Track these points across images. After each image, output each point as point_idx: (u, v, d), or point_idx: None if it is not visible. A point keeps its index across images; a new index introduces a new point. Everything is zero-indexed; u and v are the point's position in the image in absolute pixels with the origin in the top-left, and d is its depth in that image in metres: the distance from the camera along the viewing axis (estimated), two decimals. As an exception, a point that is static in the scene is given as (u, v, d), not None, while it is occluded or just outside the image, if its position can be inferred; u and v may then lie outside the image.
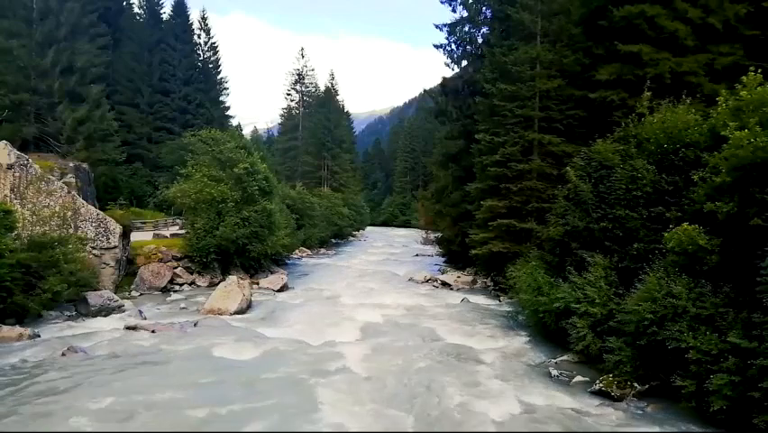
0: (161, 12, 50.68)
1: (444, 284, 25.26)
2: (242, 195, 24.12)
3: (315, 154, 61.24)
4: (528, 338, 14.81)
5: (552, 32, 21.49)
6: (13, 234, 15.49)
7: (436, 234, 37.05)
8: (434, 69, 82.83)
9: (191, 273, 23.05)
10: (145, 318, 16.14)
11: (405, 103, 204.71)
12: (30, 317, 14.73)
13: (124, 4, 49.17)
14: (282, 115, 70.81)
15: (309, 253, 41.03)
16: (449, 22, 29.93)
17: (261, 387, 10.29)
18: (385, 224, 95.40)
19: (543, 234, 15.62)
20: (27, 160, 18.84)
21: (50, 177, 19.65)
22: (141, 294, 20.38)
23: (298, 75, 66.78)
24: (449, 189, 30.65)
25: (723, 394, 8.13)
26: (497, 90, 21.59)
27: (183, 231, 25.98)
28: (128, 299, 18.96)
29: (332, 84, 69.55)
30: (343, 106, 77.87)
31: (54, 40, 30.04)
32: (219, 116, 49.81)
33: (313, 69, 67.99)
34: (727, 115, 10.41)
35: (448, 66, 30.75)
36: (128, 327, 14.55)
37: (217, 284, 20.37)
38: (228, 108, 54.41)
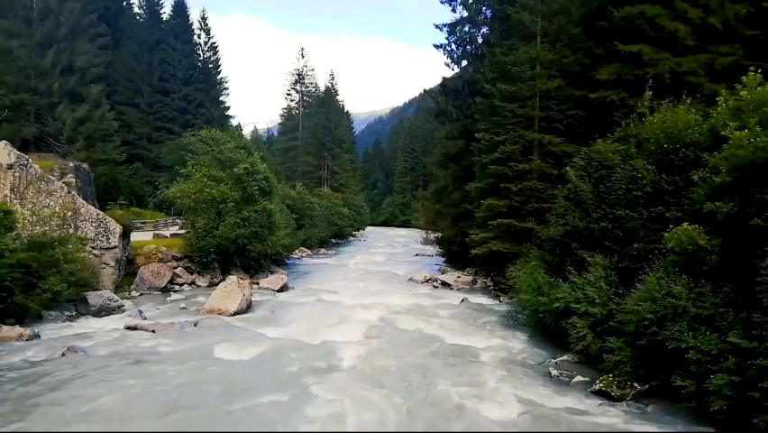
0: (161, 12, 50.74)
1: (444, 284, 25.26)
2: (242, 195, 24.13)
3: (315, 154, 61.27)
4: (528, 338, 14.81)
5: (552, 32, 21.49)
6: (13, 234, 15.49)
7: (436, 234, 37.05)
8: (434, 69, 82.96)
9: (191, 273, 23.06)
10: (145, 318, 16.13)
11: (405, 103, 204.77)
12: (30, 317, 14.73)
13: (124, 4, 49.18)
14: (282, 115, 70.87)
15: (309, 253, 41.04)
16: (449, 22, 29.96)
17: (261, 387, 10.27)
18: (385, 224, 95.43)
19: (543, 234, 15.63)
20: (27, 160, 18.84)
21: (50, 177, 19.65)
22: (141, 294, 20.38)
23: (298, 75, 66.84)
24: (449, 189, 30.65)
25: (723, 394, 8.13)
26: (497, 90, 21.58)
27: (183, 231, 25.99)
28: (128, 299, 18.96)
29: (332, 84, 69.68)
30: (343, 106, 78.02)
31: (54, 40, 30.03)
32: (219, 116, 49.82)
33: (313, 69, 68.17)
34: (727, 115, 10.41)
35: (448, 66, 30.79)
36: (128, 327, 14.54)
37: (217, 284, 20.37)
38: (228, 108, 54.49)
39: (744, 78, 10.40)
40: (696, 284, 9.61)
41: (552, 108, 20.62)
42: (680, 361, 9.05)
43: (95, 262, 18.95)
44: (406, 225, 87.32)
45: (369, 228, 78.81)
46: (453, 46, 30.19)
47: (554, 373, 11.69)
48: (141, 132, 44.45)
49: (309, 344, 13.60)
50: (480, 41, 29.52)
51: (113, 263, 19.75)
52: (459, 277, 26.12)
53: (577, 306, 11.93)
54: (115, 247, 19.88)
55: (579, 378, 11.21)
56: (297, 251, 37.32)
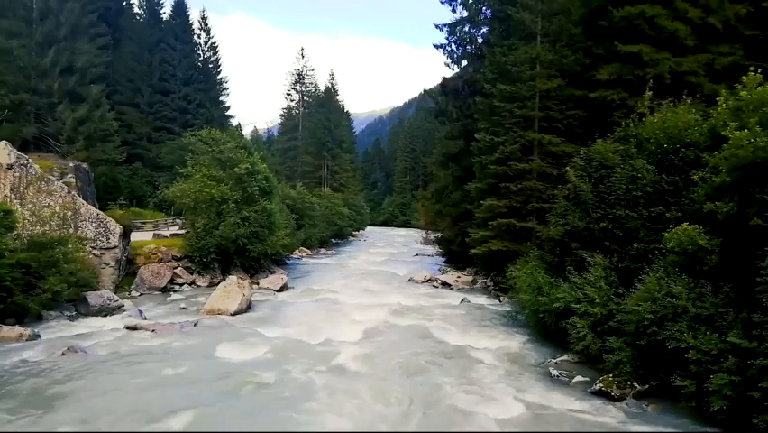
0: (161, 12, 50.70)
1: (444, 284, 25.26)
2: (242, 195, 24.12)
3: (315, 154, 61.27)
4: (528, 338, 14.81)
5: (552, 32, 21.49)
6: (13, 234, 15.49)
7: (436, 234, 37.04)
8: (434, 69, 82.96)
9: (191, 273, 23.06)
10: (145, 318, 16.12)
11: (405, 103, 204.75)
12: (30, 317, 14.74)
13: (124, 4, 49.15)
14: (282, 115, 70.86)
15: (309, 253, 41.03)
16: (449, 22, 29.97)
17: (261, 387, 10.29)
18: (385, 224, 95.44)
19: (543, 233, 15.62)
20: (27, 160, 18.84)
21: (50, 177, 19.65)
22: (141, 294, 20.38)
23: (298, 75, 66.83)
24: (449, 189, 30.65)
25: (723, 394, 8.13)
26: (497, 90, 21.58)
27: (183, 231, 26.00)
28: (128, 299, 18.96)
29: (332, 84, 69.69)
30: (343, 106, 78.03)
31: (54, 40, 30.03)
32: (219, 116, 49.81)
33: (313, 69, 68.14)
34: (727, 115, 10.41)
35: (448, 66, 30.80)
36: (128, 327, 14.54)
37: (217, 284, 20.37)
38: (228, 108, 54.48)
39: (744, 78, 10.40)
40: (696, 284, 9.61)
41: (552, 108, 20.62)
42: (680, 361, 9.05)
43: (95, 262, 18.95)
44: (406, 225, 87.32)
45: (369, 228, 78.81)
46: (453, 46, 30.22)
47: (554, 373, 11.68)
48: (141, 132, 44.43)
49: (309, 344, 13.61)
50: (480, 41, 29.54)
51: (113, 263, 19.75)
52: (459, 277, 26.12)
53: (577, 306, 11.93)
54: (115, 247, 19.88)
55: (579, 378, 11.21)
56: (297, 251, 37.31)
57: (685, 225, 9.93)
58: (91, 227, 19.46)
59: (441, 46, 30.25)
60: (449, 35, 29.97)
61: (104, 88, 34.38)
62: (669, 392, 9.52)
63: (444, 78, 31.64)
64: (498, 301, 20.75)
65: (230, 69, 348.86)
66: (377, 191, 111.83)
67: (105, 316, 16.29)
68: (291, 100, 67.94)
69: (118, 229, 19.98)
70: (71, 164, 24.14)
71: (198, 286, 22.44)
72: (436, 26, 30.25)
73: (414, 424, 8.87)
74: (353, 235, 64.38)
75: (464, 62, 30.70)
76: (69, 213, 18.99)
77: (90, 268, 17.99)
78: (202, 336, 14.02)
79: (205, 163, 24.84)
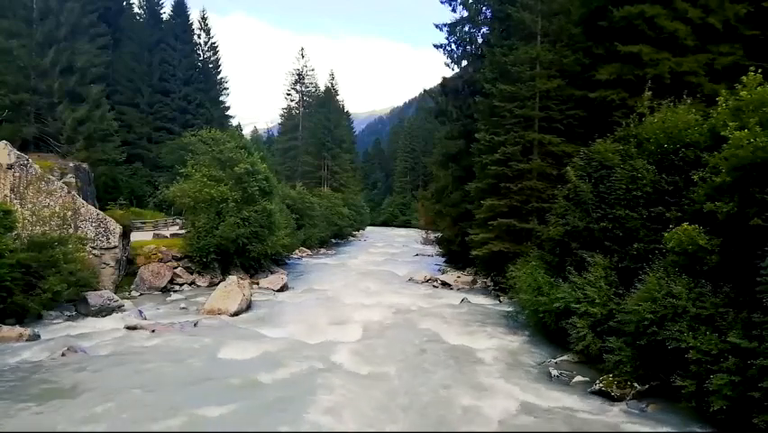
0: (161, 12, 50.68)
1: (444, 284, 25.26)
2: (242, 195, 24.13)
3: (315, 154, 61.27)
4: (528, 338, 14.81)
5: (552, 32, 21.48)
6: (13, 234, 15.49)
7: (436, 234, 37.03)
8: (434, 69, 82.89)
9: (191, 273, 23.06)
10: (145, 318, 16.13)
11: (405, 103, 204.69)
12: (30, 317, 14.73)
13: (124, 4, 49.13)
14: (282, 115, 70.86)
15: (309, 253, 41.04)
16: (449, 22, 29.95)
17: (261, 387, 10.29)
18: (385, 224, 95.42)
19: (543, 233, 15.62)
20: (27, 160, 18.84)
21: (50, 177, 19.65)
22: (141, 294, 20.38)
23: (298, 75, 66.83)
24: (449, 189, 30.63)
25: (723, 394, 8.13)
26: (497, 90, 21.57)
27: (183, 231, 26.00)
28: (128, 299, 18.96)
29: (332, 84, 69.69)
30: (343, 106, 78.01)
31: (54, 40, 30.01)
32: (219, 116, 49.79)
33: (313, 69, 68.13)
34: (727, 115, 10.40)
35: (448, 66, 30.79)
36: (128, 327, 14.55)
37: (217, 284, 20.37)
38: (228, 108, 54.46)
39: (744, 78, 10.39)
40: (696, 284, 9.61)
41: (552, 108, 20.61)
42: (680, 361, 9.05)
43: (95, 262, 18.95)
44: (406, 225, 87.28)
45: (369, 228, 78.81)
46: (453, 46, 30.21)
47: (554, 373, 11.68)
48: (141, 132, 44.42)
49: (309, 344, 13.61)
50: (480, 41, 29.52)
51: (113, 263, 19.75)
52: (459, 277, 26.13)
53: (577, 306, 11.93)
54: (115, 247, 19.88)
55: (579, 378, 11.21)
56: (297, 251, 37.31)
57: (685, 225, 9.93)
58: (91, 227, 19.46)
59: (441, 46, 30.26)
60: (449, 35, 29.98)
61: (104, 88, 34.36)
62: (669, 392, 9.52)
63: (444, 78, 31.63)
64: (498, 301, 20.75)
65: (230, 69, 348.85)
66: (377, 191, 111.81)
67: (105, 316, 16.29)
68: (291, 100, 68.01)
69: (118, 229, 19.98)
70: (71, 164, 24.14)
71: (198, 286, 22.44)
72: (436, 26, 30.28)
73: (414, 424, 8.87)
74: (353, 235, 64.37)
75: (464, 62, 30.69)
76: (69, 213, 18.99)
77: (90, 268, 17.99)
78: (202, 336, 14.02)
79: (205, 163, 24.84)
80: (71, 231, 18.63)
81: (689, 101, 13.49)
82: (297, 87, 67.05)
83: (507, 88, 21.11)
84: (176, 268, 22.74)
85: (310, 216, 42.44)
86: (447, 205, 30.64)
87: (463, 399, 9.90)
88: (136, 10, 50.33)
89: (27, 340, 12.92)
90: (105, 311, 16.53)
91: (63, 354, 11.78)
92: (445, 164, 31.71)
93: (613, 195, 12.59)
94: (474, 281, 25.52)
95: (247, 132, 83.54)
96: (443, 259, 34.12)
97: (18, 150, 19.44)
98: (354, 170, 74.98)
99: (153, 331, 14.31)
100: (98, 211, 20.46)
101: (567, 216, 13.89)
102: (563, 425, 8.95)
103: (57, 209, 18.67)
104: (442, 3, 29.82)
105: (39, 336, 13.38)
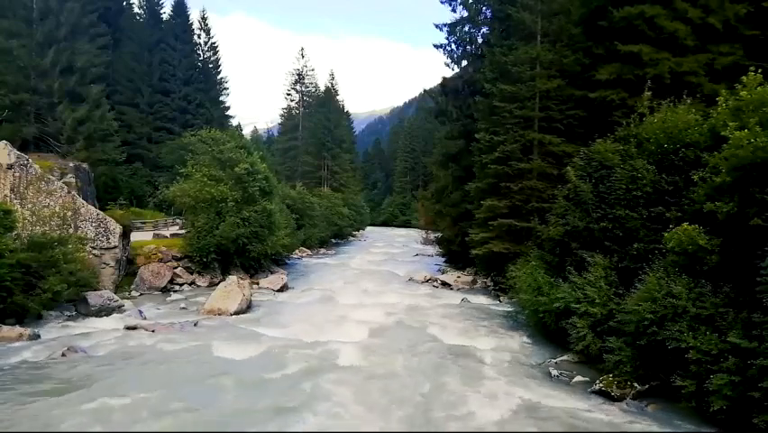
0: (161, 12, 50.68)
1: (444, 284, 25.26)
2: (242, 195, 24.13)
3: (315, 154, 61.28)
4: (528, 338, 14.81)
5: (552, 32, 21.48)
6: (13, 234, 15.48)
7: (436, 234, 37.03)
8: (434, 69, 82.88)
9: (191, 273, 23.05)
10: (145, 318, 16.14)
11: (405, 103, 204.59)
12: (30, 317, 14.72)
13: (124, 4, 49.12)
14: (282, 115, 70.88)
15: (309, 253, 41.04)
16: (449, 22, 29.95)
17: (261, 387, 10.29)
18: (385, 224, 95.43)
19: (543, 233, 15.62)
20: (27, 160, 18.84)
21: (50, 177, 19.64)
22: (141, 294, 20.37)
23: (298, 75, 66.85)
24: (449, 189, 30.64)
25: (723, 394, 8.13)
26: (497, 90, 21.57)
27: (183, 231, 26.00)
28: (128, 299, 18.95)
29: (332, 84, 69.70)
30: (343, 106, 78.01)
31: (54, 40, 30.01)
32: (219, 116, 49.79)
33: (313, 69, 68.16)
34: (727, 115, 10.40)
35: (448, 66, 30.79)
36: (128, 327, 14.55)
37: (217, 284, 20.37)
38: (228, 108, 54.46)
39: (744, 78, 10.39)
40: (696, 284, 9.60)
41: (552, 108, 20.61)
42: (680, 361, 9.05)
43: (95, 262, 18.94)
44: (406, 225, 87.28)
45: (369, 228, 78.82)
46: (453, 46, 30.21)
47: (554, 372, 11.68)
48: (141, 132, 44.41)
49: (309, 344, 13.60)
50: (480, 41, 29.52)
51: (113, 263, 19.75)
52: (459, 277, 26.13)
53: (577, 306, 11.93)
54: (115, 247, 19.88)
55: (579, 378, 11.21)
56: (297, 251, 37.31)
57: (685, 225, 9.92)
58: (91, 227, 19.46)
59: (441, 46, 30.26)
60: (449, 35, 29.98)
61: (104, 88, 34.36)
62: (669, 392, 9.52)
63: (444, 78, 31.63)
64: (498, 301, 20.75)
65: (230, 69, 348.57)
66: (377, 191, 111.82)
67: (105, 316, 16.28)
68: (291, 100, 68.03)
69: (118, 229, 19.98)
70: (71, 164, 24.14)
71: (198, 286, 22.43)
72: (436, 26, 30.29)
73: (413, 424, 8.87)
74: (353, 235, 64.38)
75: (464, 62, 30.69)
76: (69, 213, 18.99)
77: (90, 268, 17.98)
78: (202, 336, 14.02)
79: (205, 163, 24.84)
80: (71, 231, 18.63)
81: (689, 101, 13.48)
82: (297, 87, 67.08)
83: (507, 88, 21.11)
84: (176, 268, 22.74)
85: (310, 216, 42.45)
86: (447, 205, 30.65)
87: (463, 398, 9.90)
88: (136, 10, 50.37)
89: (27, 340, 12.93)
90: (104, 311, 16.53)
91: (63, 354, 11.77)
92: (445, 164, 31.72)
93: (613, 195, 12.59)
94: (474, 281, 25.52)
95: (247, 132, 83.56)
96: (443, 259, 34.12)
97: (18, 150, 19.44)
98: (354, 170, 74.99)
99: (153, 331, 14.30)
100: (98, 211, 20.46)
101: (567, 216, 13.89)
102: (563, 425, 8.94)
103: (57, 209, 18.66)
104: (442, 3, 29.85)
105: (39, 336, 13.38)
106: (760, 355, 7.78)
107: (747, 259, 8.88)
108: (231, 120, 54.59)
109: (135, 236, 23.89)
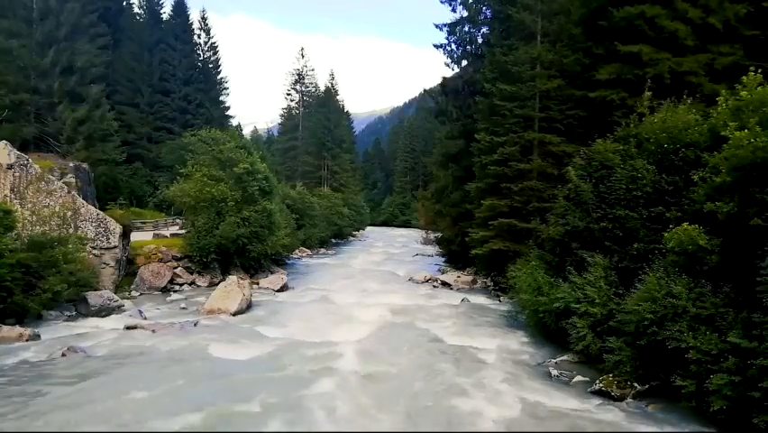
0: (161, 12, 50.74)
1: (444, 284, 25.27)
2: (242, 195, 24.13)
3: (315, 154, 61.31)
4: (528, 338, 14.81)
5: (552, 32, 21.49)
6: (13, 234, 15.48)
7: (436, 235, 37.05)
8: (434, 69, 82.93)
9: (191, 273, 23.05)
10: (145, 318, 16.13)
11: (405, 103, 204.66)
12: (30, 317, 14.73)
13: (124, 4, 49.18)
14: (282, 115, 70.92)
15: (309, 253, 41.04)
16: (449, 22, 29.96)
17: (261, 387, 10.28)
18: (385, 224, 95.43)
19: (543, 233, 15.63)
20: (27, 160, 18.84)
21: (50, 177, 19.64)
22: (141, 294, 20.38)
23: (298, 75, 66.90)
24: (449, 189, 30.65)
25: (723, 394, 8.12)
26: (497, 90, 21.58)
27: (183, 231, 25.99)
28: (128, 299, 18.96)
29: (332, 84, 69.72)
30: (343, 106, 78.02)
31: (54, 40, 30.04)
32: (219, 116, 49.80)
33: (313, 69, 68.25)
34: (727, 115, 10.40)
35: (448, 66, 30.79)
36: (128, 327, 14.55)
37: (217, 284, 20.37)
38: (228, 108, 54.49)
39: (744, 78, 10.39)
40: (696, 284, 9.60)
41: (552, 108, 20.62)
42: (680, 361, 9.04)
43: (95, 262, 18.94)
44: (406, 225, 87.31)
45: (369, 228, 78.82)
46: (453, 46, 30.22)
47: (554, 373, 11.68)
48: (141, 132, 44.44)
49: (309, 344, 13.61)
50: (480, 41, 29.54)
51: (113, 263, 19.75)
52: (459, 277, 26.13)
53: (577, 306, 11.92)
54: (115, 247, 19.88)
55: (579, 378, 11.21)
56: (297, 251, 37.31)
57: (685, 225, 9.92)
58: (91, 227, 19.46)
59: (441, 46, 30.26)
60: (449, 35, 29.99)
61: (104, 88, 34.38)
62: (669, 392, 9.51)
63: (444, 78, 31.63)
64: (498, 301, 20.75)
65: (230, 69, 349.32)
66: (377, 191, 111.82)
67: (105, 316, 16.28)
68: (291, 100, 68.09)
69: (118, 229, 19.98)
70: (71, 164, 24.15)
71: (198, 286, 22.44)
72: (436, 26, 30.30)
73: (414, 424, 8.86)
74: (353, 235, 64.39)
75: (464, 62, 30.70)
76: (69, 213, 18.99)
77: (90, 268, 17.98)
78: (202, 336, 14.02)
79: (205, 163, 24.84)
80: (71, 231, 18.63)
81: (689, 101, 13.48)
82: (297, 87, 67.13)
83: (507, 88, 21.12)
84: (176, 268, 22.74)
85: (310, 216, 42.45)
86: (447, 205, 30.66)
87: (463, 398, 9.90)
88: (136, 10, 50.40)
89: (27, 340, 12.92)
90: (105, 311, 16.53)
91: (63, 354, 11.77)
92: (445, 164, 31.73)
93: (613, 195, 12.59)
94: (474, 281, 25.52)
95: (247, 132, 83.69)
96: (443, 259, 34.13)
97: (18, 150, 19.44)
98: (354, 170, 75.00)
99: (153, 331, 14.31)
100: (98, 211, 20.46)
101: (567, 216, 13.88)
102: (563, 425, 8.95)
103: (57, 209, 18.66)
104: (442, 3, 29.86)
105: (39, 336, 13.37)
106: (760, 355, 7.78)
107: (747, 259, 8.87)
108: (231, 120, 54.68)
109: (135, 236, 23.88)
